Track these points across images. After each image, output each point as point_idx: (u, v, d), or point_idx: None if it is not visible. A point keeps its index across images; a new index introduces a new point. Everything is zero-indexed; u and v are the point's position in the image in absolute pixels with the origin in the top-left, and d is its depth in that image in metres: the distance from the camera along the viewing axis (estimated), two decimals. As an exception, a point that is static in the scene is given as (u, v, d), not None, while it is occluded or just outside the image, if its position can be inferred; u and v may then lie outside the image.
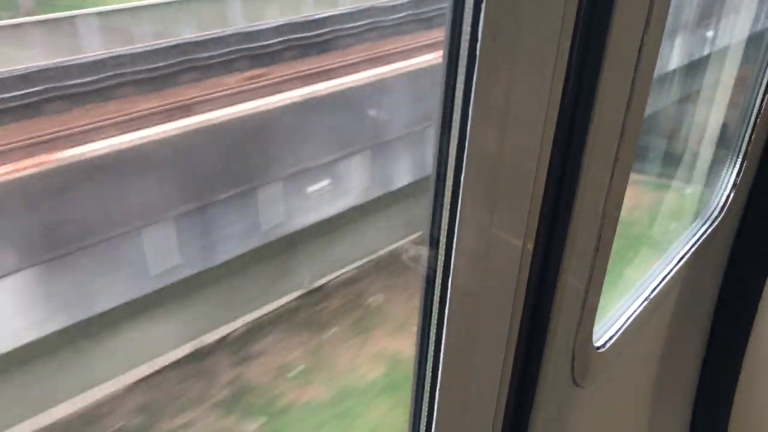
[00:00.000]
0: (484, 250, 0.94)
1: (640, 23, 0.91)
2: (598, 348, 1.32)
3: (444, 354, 1.00)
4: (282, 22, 8.61)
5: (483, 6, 0.75)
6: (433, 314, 1.00)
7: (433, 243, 0.97)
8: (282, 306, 6.76)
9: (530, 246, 0.99)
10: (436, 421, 1.07)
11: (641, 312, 1.48)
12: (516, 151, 0.88)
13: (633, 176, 1.14)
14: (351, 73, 7.64)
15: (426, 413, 1.09)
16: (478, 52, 0.77)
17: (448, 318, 0.97)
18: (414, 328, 1.07)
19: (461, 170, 0.87)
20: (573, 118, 0.92)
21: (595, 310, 1.22)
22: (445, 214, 0.92)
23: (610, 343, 1.35)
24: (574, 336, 1.19)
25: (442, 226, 0.93)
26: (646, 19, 0.91)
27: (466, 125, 0.83)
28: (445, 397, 1.05)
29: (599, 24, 0.86)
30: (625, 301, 1.50)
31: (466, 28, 0.77)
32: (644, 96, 1.01)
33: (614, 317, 1.42)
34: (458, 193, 0.88)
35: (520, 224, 0.95)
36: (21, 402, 5.36)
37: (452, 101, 0.84)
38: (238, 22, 9.69)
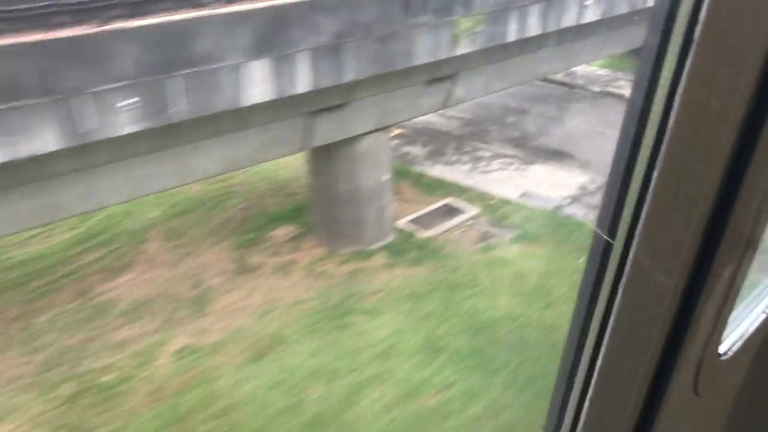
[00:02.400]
0: (644, 284, 1.06)
1: None
2: (721, 356, 1.33)
3: (600, 365, 1.21)
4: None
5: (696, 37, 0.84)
6: (592, 328, 1.20)
7: (601, 267, 1.13)
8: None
9: (682, 281, 1.05)
10: (583, 420, 1.29)
11: (763, 320, 1.45)
12: (695, 181, 0.94)
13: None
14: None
15: (573, 412, 1.31)
16: (686, 72, 0.87)
17: (608, 338, 1.17)
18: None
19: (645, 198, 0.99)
20: (742, 143, 0.94)
21: (725, 324, 1.23)
22: (618, 241, 1.07)
23: (732, 351, 1.35)
24: (702, 349, 1.21)
25: (613, 252, 1.08)
26: None
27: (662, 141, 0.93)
28: (594, 402, 1.26)
29: None
30: (747, 306, 1.46)
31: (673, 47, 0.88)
32: None
33: (735, 322, 1.38)
34: (636, 222, 1.02)
35: (677, 261, 1.02)
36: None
37: (645, 122, 0.95)
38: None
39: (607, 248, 1.10)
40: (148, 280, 13.05)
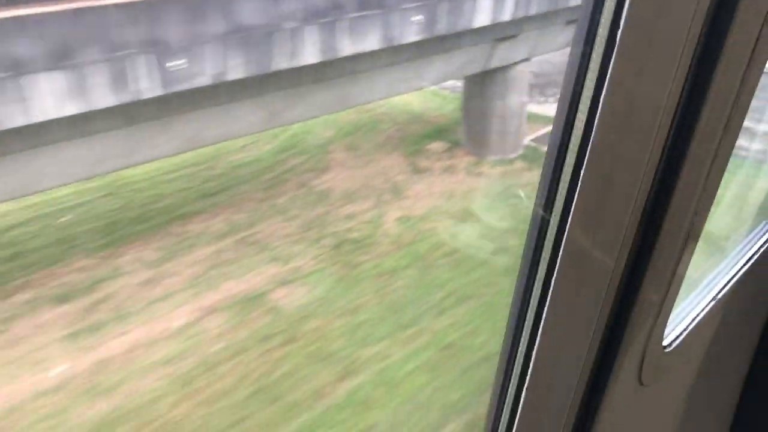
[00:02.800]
0: (581, 265, 1.04)
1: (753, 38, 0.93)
2: (665, 347, 1.32)
3: (536, 352, 1.14)
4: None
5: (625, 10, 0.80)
6: (528, 315, 1.13)
7: (537, 248, 1.07)
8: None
9: (621, 264, 1.05)
10: (521, 409, 1.22)
11: (707, 312, 1.46)
12: (628, 163, 0.94)
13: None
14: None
15: (511, 402, 1.24)
16: (615, 54, 0.83)
17: (544, 320, 1.10)
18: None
19: (578, 178, 0.95)
20: (679, 131, 0.94)
21: (669, 315, 1.24)
22: (554, 220, 1.01)
23: (676, 343, 1.35)
24: (645, 339, 1.20)
25: (548, 232, 1.03)
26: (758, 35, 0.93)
27: (592, 126, 0.90)
28: (531, 390, 1.19)
29: (715, 43, 0.88)
30: (691, 300, 1.48)
31: (604, 25, 0.83)
32: (742, 117, 1.03)
33: (680, 316, 1.39)
34: (571, 202, 0.97)
35: (615, 243, 1.02)
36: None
37: (577, 103, 0.91)
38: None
39: (544, 224, 1.07)
40: (348, 177, 16.69)
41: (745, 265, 1.64)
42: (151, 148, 11.91)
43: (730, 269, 1.62)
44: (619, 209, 1.00)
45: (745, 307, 1.79)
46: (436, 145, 18.33)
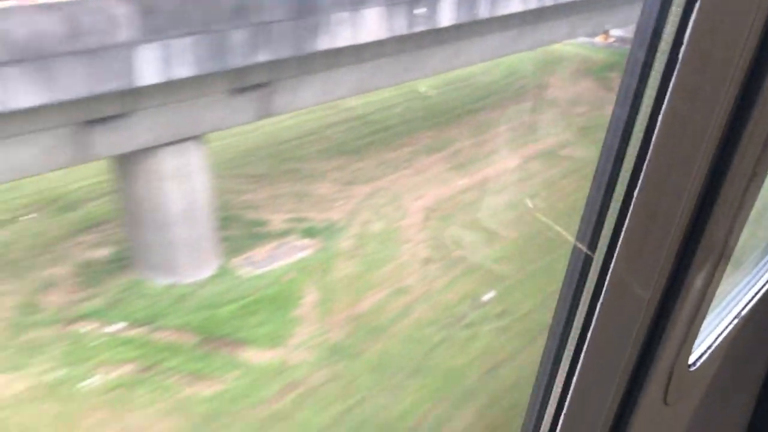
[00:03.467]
0: (621, 297, 1.09)
1: None
2: (689, 366, 1.35)
3: (577, 375, 1.22)
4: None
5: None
6: (569, 342, 1.20)
7: (579, 281, 1.12)
8: None
9: (658, 292, 1.08)
10: (560, 425, 1.31)
11: (730, 330, 1.47)
12: (672, 195, 0.97)
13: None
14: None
15: (550, 420, 1.33)
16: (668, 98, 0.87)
17: (586, 349, 1.18)
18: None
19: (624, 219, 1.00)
20: (721, 156, 0.97)
21: (696, 335, 1.26)
22: (598, 257, 1.06)
23: (700, 362, 1.37)
24: (673, 360, 1.24)
25: (592, 268, 1.08)
26: None
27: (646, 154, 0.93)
28: (569, 408, 1.27)
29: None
30: (714, 318, 1.48)
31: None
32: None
33: (703, 334, 1.39)
34: (617, 240, 1.02)
35: (653, 273, 1.05)
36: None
37: (628, 140, 0.94)
38: None
39: (587, 262, 1.10)
40: (565, 91, 23.69)
41: (766, 284, 1.65)
42: (428, 66, 18.25)
43: (753, 286, 1.63)
44: (660, 241, 1.02)
45: (765, 325, 1.78)
46: (615, 74, 25.32)
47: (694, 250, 1.06)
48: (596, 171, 1.05)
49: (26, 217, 14.51)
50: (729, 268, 1.21)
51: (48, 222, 14.64)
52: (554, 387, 1.31)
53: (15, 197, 15.22)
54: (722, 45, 0.87)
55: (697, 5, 0.84)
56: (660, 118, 0.92)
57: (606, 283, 1.09)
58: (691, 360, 1.36)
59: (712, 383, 1.60)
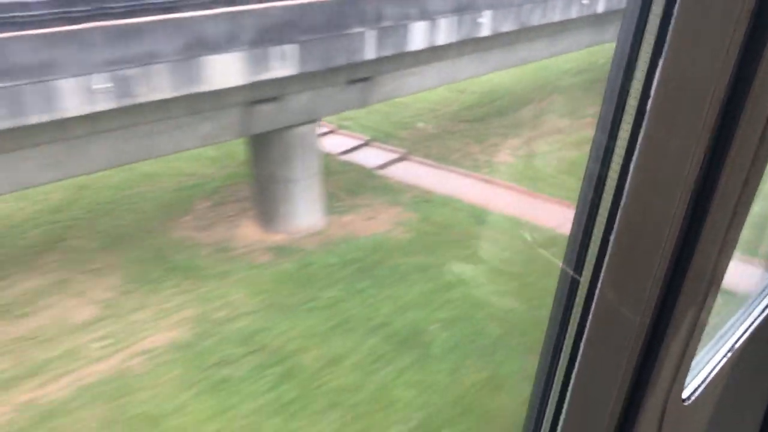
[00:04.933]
0: (609, 322, 1.07)
1: None
2: (684, 400, 1.32)
3: (567, 405, 1.22)
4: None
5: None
6: (558, 372, 1.20)
7: (567, 306, 1.12)
8: None
9: (646, 317, 1.06)
10: None
11: (724, 364, 1.45)
12: (657, 219, 0.96)
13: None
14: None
15: None
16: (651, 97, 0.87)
17: (575, 377, 1.17)
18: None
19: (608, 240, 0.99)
20: (705, 181, 0.96)
21: (689, 367, 1.23)
22: (584, 280, 1.06)
23: (695, 396, 1.34)
24: (666, 393, 1.21)
25: (579, 292, 1.09)
26: None
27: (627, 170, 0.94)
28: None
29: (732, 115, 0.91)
30: (708, 350, 1.46)
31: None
32: (762, 170, 1.03)
33: (697, 367, 1.37)
34: (602, 263, 1.02)
35: (641, 298, 1.04)
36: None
37: (609, 162, 0.95)
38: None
39: (574, 285, 1.10)
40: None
41: (762, 313, 1.62)
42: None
43: (746, 318, 1.61)
44: (647, 266, 1.01)
45: (763, 357, 1.75)
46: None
47: (684, 275, 1.06)
48: (580, 194, 1.06)
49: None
50: (722, 300, 1.20)
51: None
52: (546, 415, 1.29)
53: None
54: (699, 66, 0.87)
55: (671, 29, 0.84)
56: (638, 142, 0.93)
57: (593, 304, 1.09)
58: (685, 394, 1.34)
59: (710, 420, 1.57)
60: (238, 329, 11.15)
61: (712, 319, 1.23)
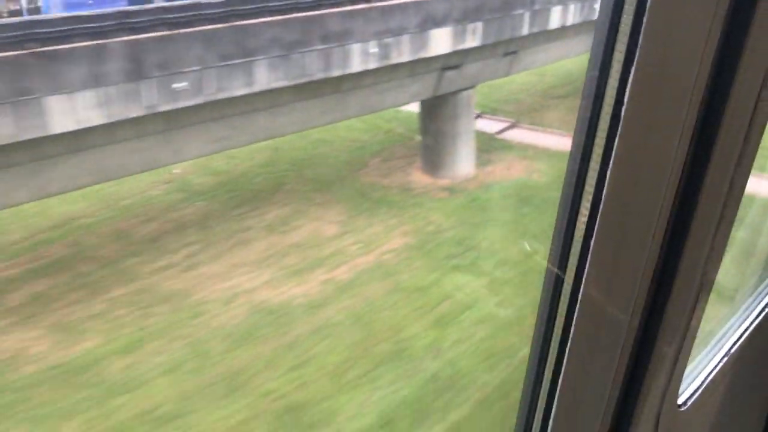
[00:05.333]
0: (597, 321, 1.06)
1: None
2: (680, 406, 1.31)
3: (555, 409, 1.18)
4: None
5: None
6: (546, 372, 1.16)
7: (552, 305, 1.09)
8: None
9: (636, 320, 1.06)
10: None
11: (720, 369, 1.43)
12: (640, 218, 0.96)
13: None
14: None
15: None
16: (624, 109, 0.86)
17: (562, 377, 1.13)
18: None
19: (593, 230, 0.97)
20: (688, 184, 0.96)
21: (683, 371, 1.22)
22: (568, 277, 1.04)
23: (690, 402, 1.33)
24: (661, 398, 1.20)
25: (563, 289, 1.07)
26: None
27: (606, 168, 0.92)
28: None
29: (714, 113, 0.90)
30: (703, 357, 1.45)
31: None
32: (747, 171, 1.02)
33: (693, 373, 1.36)
34: (585, 260, 1.00)
35: (630, 299, 1.03)
36: None
37: (588, 160, 0.93)
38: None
39: (559, 283, 1.08)
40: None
41: (756, 318, 1.60)
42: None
43: (742, 323, 1.59)
44: (632, 265, 1.01)
45: (759, 362, 1.72)
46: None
47: (672, 279, 1.05)
48: (562, 192, 1.04)
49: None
50: (717, 304, 1.20)
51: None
52: (534, 423, 1.26)
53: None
54: (674, 65, 0.85)
55: (643, 28, 0.83)
56: (615, 142, 0.92)
57: (578, 304, 1.07)
58: (681, 400, 1.32)
59: (709, 426, 1.54)
60: (448, 237, 14.75)
61: (708, 324, 1.23)
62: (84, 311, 11.68)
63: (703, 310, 1.15)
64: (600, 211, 0.98)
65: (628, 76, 0.87)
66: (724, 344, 1.52)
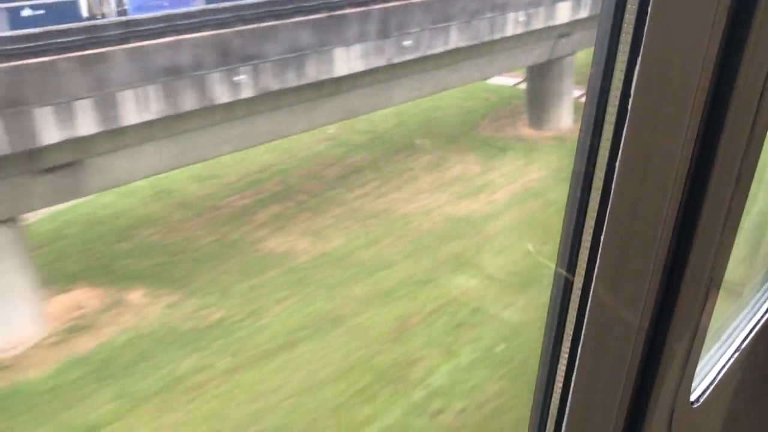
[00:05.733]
0: (607, 322, 1.06)
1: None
2: (693, 403, 1.31)
3: (568, 410, 1.19)
4: None
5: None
6: (558, 373, 1.16)
7: (562, 308, 1.09)
8: None
9: (646, 318, 1.05)
10: None
11: (731, 364, 1.44)
12: (648, 217, 0.96)
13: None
14: None
15: None
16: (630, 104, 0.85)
17: (575, 379, 1.13)
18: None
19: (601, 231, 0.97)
20: (694, 181, 0.96)
21: (695, 368, 1.22)
22: (578, 280, 1.04)
23: (703, 398, 1.33)
24: (673, 395, 1.20)
25: (573, 292, 1.07)
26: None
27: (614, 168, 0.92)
28: None
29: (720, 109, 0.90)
30: (714, 353, 1.46)
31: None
32: (754, 166, 1.02)
33: (704, 370, 1.36)
34: (594, 262, 1.01)
35: (639, 298, 1.03)
36: None
37: (594, 163, 0.93)
38: None
39: (568, 285, 1.08)
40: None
41: (766, 313, 1.61)
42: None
43: (751, 318, 1.59)
44: (641, 265, 1.00)
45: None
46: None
47: (680, 278, 1.05)
48: (569, 195, 1.04)
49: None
50: (726, 300, 1.18)
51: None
52: (547, 425, 1.26)
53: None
54: (678, 64, 0.85)
55: (646, 27, 0.83)
56: (622, 141, 0.92)
57: (588, 307, 1.07)
58: (693, 397, 1.32)
59: (723, 422, 1.54)
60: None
61: (717, 320, 1.22)
62: (318, 224, 15.13)
63: (713, 306, 1.16)
64: (608, 211, 0.98)
65: (633, 74, 0.87)
66: (735, 340, 1.52)
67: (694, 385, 1.29)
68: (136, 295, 12.45)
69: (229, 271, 13.26)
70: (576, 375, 1.14)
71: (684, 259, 1.03)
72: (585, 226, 1.02)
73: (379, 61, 13.29)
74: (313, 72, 12.45)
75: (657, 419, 1.20)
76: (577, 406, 1.18)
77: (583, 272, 1.05)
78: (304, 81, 12.53)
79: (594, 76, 0.93)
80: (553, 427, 1.24)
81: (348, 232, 14.83)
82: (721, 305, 1.20)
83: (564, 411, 1.20)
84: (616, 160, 0.94)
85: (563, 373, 1.17)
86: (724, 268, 1.12)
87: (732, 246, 1.11)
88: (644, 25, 0.84)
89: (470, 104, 24.20)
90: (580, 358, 1.12)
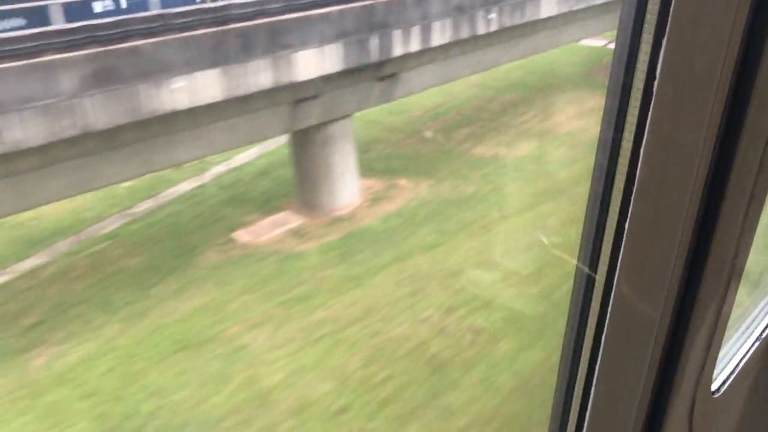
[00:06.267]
0: (629, 317, 1.06)
1: None
2: (714, 393, 1.31)
3: (591, 402, 1.20)
4: None
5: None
6: (580, 369, 1.18)
7: (584, 303, 1.10)
8: None
9: (668, 310, 1.06)
10: None
11: (752, 354, 1.44)
12: (670, 211, 0.95)
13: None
14: None
15: None
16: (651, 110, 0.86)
17: (597, 373, 1.15)
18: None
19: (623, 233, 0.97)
20: (715, 174, 0.96)
21: (716, 358, 1.23)
22: (600, 277, 1.04)
23: (724, 388, 1.34)
24: (694, 385, 1.20)
25: (595, 288, 1.07)
26: None
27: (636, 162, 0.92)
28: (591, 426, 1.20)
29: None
30: (734, 342, 1.46)
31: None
32: None
33: (725, 359, 1.36)
34: (617, 258, 1.01)
35: (661, 291, 1.03)
36: None
37: (617, 158, 0.95)
38: None
39: (590, 281, 1.09)
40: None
41: None
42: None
43: None
44: (663, 258, 1.00)
45: None
46: None
47: (702, 268, 1.05)
48: (590, 190, 1.04)
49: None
50: (746, 290, 1.19)
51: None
52: (570, 415, 1.28)
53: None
54: (701, 56, 0.85)
55: (670, 19, 0.84)
56: (645, 135, 0.92)
57: (611, 300, 1.08)
58: (714, 387, 1.32)
59: (743, 411, 1.55)
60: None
61: (738, 309, 1.20)
62: (504, 139, 19.85)
63: (734, 296, 1.16)
64: (631, 205, 0.98)
65: (655, 72, 0.87)
66: (755, 329, 1.52)
67: (714, 374, 1.31)
68: (402, 182, 17.15)
69: (460, 167, 17.97)
70: (599, 366, 1.17)
71: (706, 250, 1.04)
72: (608, 220, 1.04)
73: (562, 9, 18.09)
74: (529, 13, 17.30)
75: (678, 409, 1.22)
76: (600, 396, 1.21)
77: (606, 267, 1.07)
78: (521, 20, 17.34)
79: (615, 71, 0.95)
80: (576, 417, 1.28)
81: (529, 143, 19.52)
82: (741, 294, 1.21)
83: (587, 401, 1.24)
84: (638, 154, 0.95)
85: (586, 364, 1.20)
86: (746, 256, 1.13)
87: (754, 234, 1.12)
88: (667, 19, 0.85)
89: (575, 59, 28.78)
90: (603, 351, 1.14)
